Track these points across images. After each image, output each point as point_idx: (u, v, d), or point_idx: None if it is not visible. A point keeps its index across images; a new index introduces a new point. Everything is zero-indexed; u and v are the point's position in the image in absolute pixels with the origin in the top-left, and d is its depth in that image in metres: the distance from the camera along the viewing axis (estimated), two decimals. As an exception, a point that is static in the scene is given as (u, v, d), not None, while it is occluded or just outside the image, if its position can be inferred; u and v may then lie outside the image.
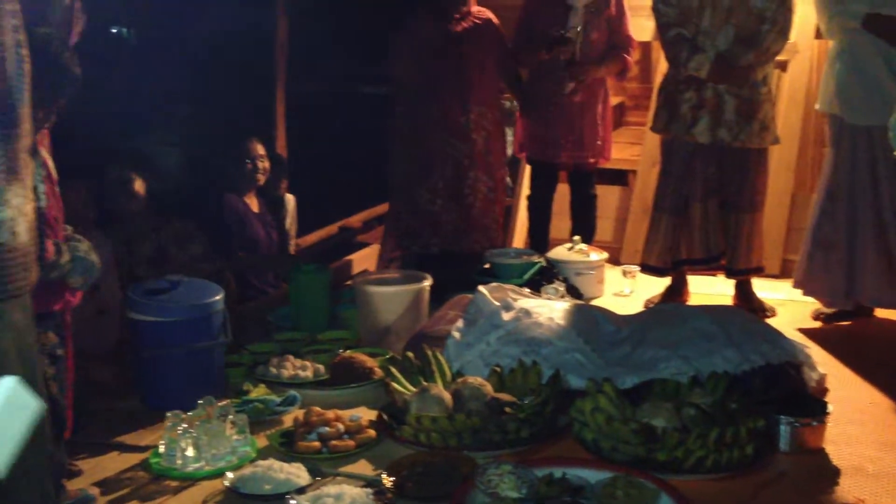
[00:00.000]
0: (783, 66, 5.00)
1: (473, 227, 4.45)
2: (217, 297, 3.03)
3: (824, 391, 3.01)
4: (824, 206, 3.87)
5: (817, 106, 4.00)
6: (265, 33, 5.68)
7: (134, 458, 2.65)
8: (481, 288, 3.36)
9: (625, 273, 4.39)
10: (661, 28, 3.96)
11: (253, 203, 4.52)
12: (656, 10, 3.96)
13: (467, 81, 4.42)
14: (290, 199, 5.12)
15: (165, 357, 2.91)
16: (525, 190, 5.03)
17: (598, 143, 4.59)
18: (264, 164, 4.52)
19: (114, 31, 8.12)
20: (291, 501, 2.29)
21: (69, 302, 2.21)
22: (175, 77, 5.35)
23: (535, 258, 4.19)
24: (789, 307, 4.08)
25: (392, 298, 3.50)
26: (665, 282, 4.19)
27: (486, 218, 4.50)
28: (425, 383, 2.85)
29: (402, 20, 4.58)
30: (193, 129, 5.13)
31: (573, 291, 4.05)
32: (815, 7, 3.82)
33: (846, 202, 3.80)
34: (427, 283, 3.60)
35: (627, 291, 4.33)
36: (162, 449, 2.61)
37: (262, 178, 4.54)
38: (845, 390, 3.13)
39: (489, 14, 4.55)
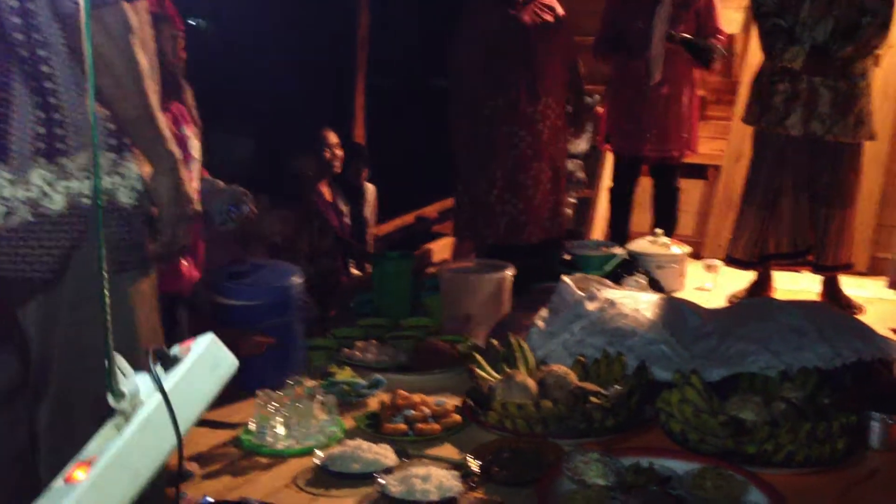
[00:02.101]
0: (876, 60, 4.87)
1: (530, 219, 4.34)
2: (296, 279, 3.09)
3: (919, 391, 2.93)
4: None
5: None
6: (347, 27, 5.76)
7: (225, 435, 2.73)
8: (566, 278, 3.36)
9: (707, 267, 4.34)
10: (760, 18, 3.90)
11: (326, 192, 4.59)
12: (755, 1, 3.90)
13: (535, 71, 4.30)
14: (369, 189, 5.19)
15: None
16: (606, 182, 5.00)
17: (684, 135, 4.54)
18: (339, 153, 4.59)
19: (191, 22, 8.32)
20: (380, 480, 2.33)
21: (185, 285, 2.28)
22: (256, 70, 5.47)
23: (617, 250, 4.17)
24: (878, 305, 3.98)
25: (475, 286, 3.52)
26: (749, 276, 4.13)
27: (544, 210, 4.39)
28: (510, 370, 2.87)
29: (465, 7, 4.44)
30: (272, 120, 5.23)
31: (655, 284, 4.03)
32: None
33: None
34: (510, 272, 3.62)
35: (709, 286, 4.28)
36: (252, 426, 2.68)
37: (337, 167, 4.60)
38: (939, 391, 3.05)
39: (556, 3, 4.43)
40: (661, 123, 4.46)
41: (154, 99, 1.73)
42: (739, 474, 2.29)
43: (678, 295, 4.09)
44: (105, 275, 1.29)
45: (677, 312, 3.22)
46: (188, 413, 1.30)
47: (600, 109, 4.81)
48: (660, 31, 4.42)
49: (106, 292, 1.29)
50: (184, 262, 2.61)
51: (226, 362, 1.35)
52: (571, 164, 5.51)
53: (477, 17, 4.40)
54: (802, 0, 3.74)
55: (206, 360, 1.32)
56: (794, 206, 3.95)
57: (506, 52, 4.32)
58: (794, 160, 3.90)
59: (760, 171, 3.99)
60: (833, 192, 3.89)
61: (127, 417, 1.27)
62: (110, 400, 1.27)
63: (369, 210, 5.18)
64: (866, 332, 2.95)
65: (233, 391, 2.93)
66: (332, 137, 4.61)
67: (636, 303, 3.21)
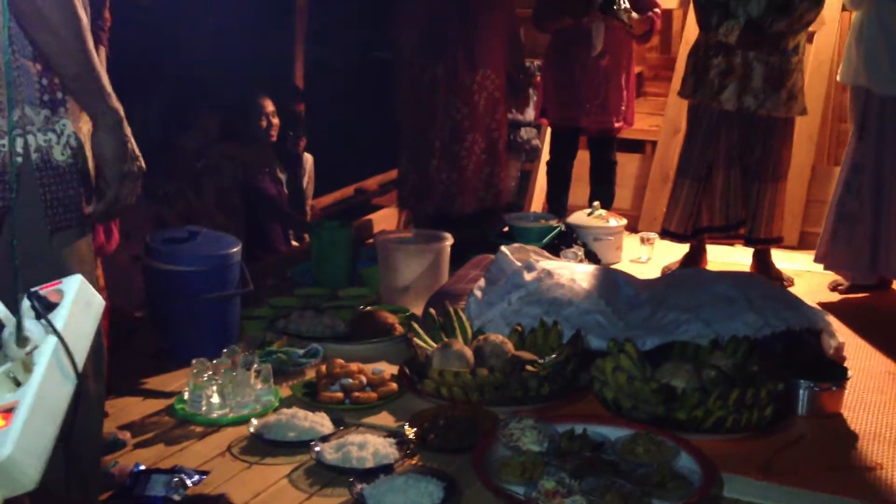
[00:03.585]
0: (810, 38, 4.97)
1: (464, 189, 4.35)
2: (235, 249, 3.05)
3: (842, 359, 3.02)
4: (849, 180, 3.86)
5: (839, 77, 3.98)
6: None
7: (159, 404, 2.69)
8: (504, 248, 3.37)
9: (643, 240, 4.40)
10: None
11: (267, 161, 4.53)
12: None
13: (474, 42, 4.29)
14: (307, 159, 5.13)
15: (182, 306, 2.93)
16: (545, 155, 5.02)
17: (623, 107, 4.58)
18: (275, 121, 4.53)
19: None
20: (316, 448, 2.32)
21: (103, 247, 2.23)
22: (192, 38, 5.34)
23: (554, 222, 4.19)
24: (806, 278, 4.09)
25: (413, 257, 3.52)
26: (683, 249, 4.20)
27: (478, 181, 4.40)
28: (447, 339, 2.87)
29: None
30: (213, 89, 5.14)
31: (591, 256, 4.07)
32: None
33: (872, 175, 3.79)
34: (448, 242, 3.62)
35: (645, 258, 4.35)
36: (187, 395, 2.65)
37: (273, 135, 4.55)
38: (863, 360, 3.15)
39: None
40: (601, 95, 4.48)
41: (95, 55, 1.68)
42: (670, 440, 2.34)
43: (615, 267, 4.16)
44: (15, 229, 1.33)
45: (612, 283, 3.26)
46: (79, 352, 1.35)
47: (537, 79, 4.80)
48: (599, 3, 4.42)
49: (14, 242, 1.35)
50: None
51: (96, 301, 1.42)
52: (525, 133, 5.52)
53: None
54: None
55: (80, 301, 1.37)
56: (727, 180, 4.01)
57: (444, 22, 4.31)
58: (727, 134, 3.96)
59: (694, 145, 4.04)
60: (765, 167, 3.96)
61: (25, 364, 1.30)
62: (12, 349, 1.30)
63: (307, 180, 5.13)
64: (795, 302, 3.03)
65: (168, 361, 2.93)
66: (269, 105, 4.54)
67: (573, 273, 3.24)
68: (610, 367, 2.64)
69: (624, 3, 4.22)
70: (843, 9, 4.84)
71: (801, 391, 2.65)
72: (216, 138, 4.31)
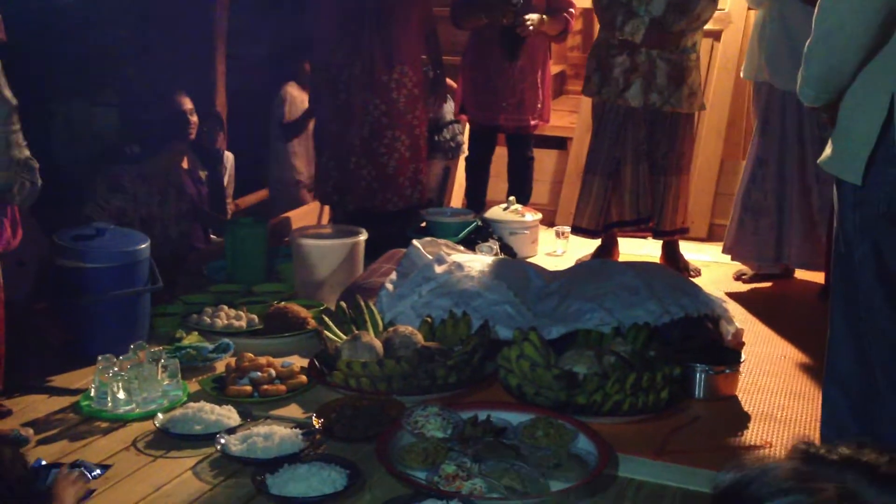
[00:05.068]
0: (717, 36, 5.13)
1: (387, 186, 4.38)
2: (143, 245, 3.03)
3: (741, 345, 3.14)
4: (754, 173, 4.00)
5: (742, 74, 4.12)
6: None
7: (64, 401, 2.67)
8: (415, 241, 3.42)
9: (558, 234, 4.49)
10: None
11: (183, 158, 4.50)
12: None
13: (391, 39, 4.32)
14: (228, 157, 5.11)
15: (90, 303, 2.91)
16: (464, 151, 5.09)
17: (538, 105, 4.66)
18: (193, 119, 4.50)
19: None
20: (221, 440, 2.34)
21: (10, 242, 2.21)
22: (112, 37, 5.28)
23: (471, 217, 4.26)
24: (714, 268, 4.23)
25: (327, 252, 3.54)
26: (596, 242, 4.30)
27: (402, 177, 4.42)
28: (357, 331, 2.91)
29: None
30: (133, 88, 5.08)
31: (507, 250, 4.15)
32: None
33: (775, 168, 3.94)
34: (362, 237, 3.65)
35: (560, 252, 4.44)
36: (93, 392, 2.63)
37: (192, 133, 4.52)
38: (761, 345, 3.28)
39: None
40: (517, 94, 4.56)
41: None
42: (569, 423, 2.41)
43: (530, 260, 4.24)
44: None
45: (522, 275, 3.33)
46: None
47: (452, 84, 4.86)
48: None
49: None
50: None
51: None
52: (448, 131, 5.57)
53: None
54: None
55: None
56: (635, 175, 4.12)
57: (361, 19, 4.32)
58: (633, 131, 4.07)
59: (602, 143, 4.13)
60: (669, 161, 4.08)
61: None
62: None
63: (228, 178, 5.11)
64: (694, 290, 3.14)
65: (76, 359, 2.91)
66: (187, 103, 4.51)
67: (483, 266, 3.30)
68: (514, 355, 2.70)
69: (531, 17, 4.32)
70: (749, 7, 5.02)
71: (697, 375, 2.75)
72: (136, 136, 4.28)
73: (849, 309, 1.96)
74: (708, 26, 4.15)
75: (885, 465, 0.83)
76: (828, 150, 2.05)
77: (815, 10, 1.96)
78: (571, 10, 4.57)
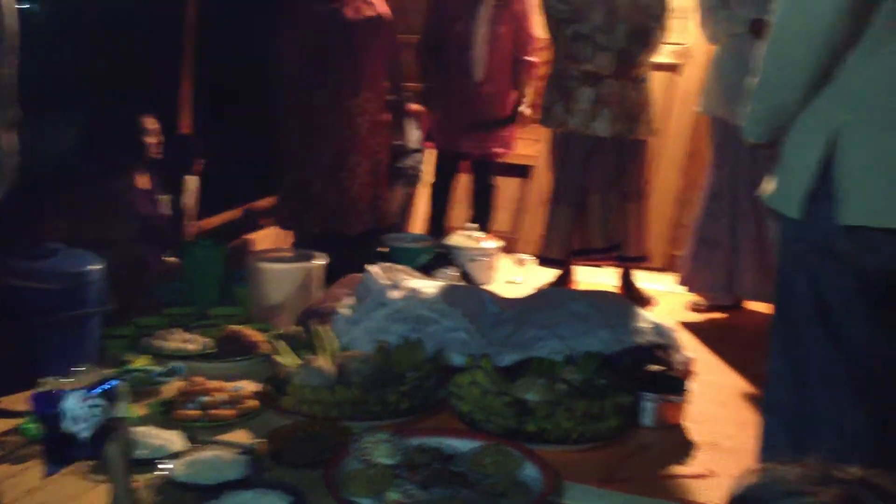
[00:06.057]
0: (677, 70, 5.22)
1: (349, 210, 4.42)
2: (95, 266, 3.01)
3: (691, 374, 3.17)
4: (709, 206, 4.07)
5: (699, 109, 4.20)
6: (174, 14, 5.61)
7: (7, 424, 2.63)
8: (369, 267, 3.43)
9: (518, 261, 4.52)
10: (557, 24, 4.09)
11: (142, 179, 4.48)
12: (548, 6, 4.09)
13: (357, 66, 4.37)
14: (191, 178, 5.09)
15: (38, 324, 2.88)
16: (427, 177, 5.12)
17: (504, 135, 4.71)
18: (153, 140, 4.49)
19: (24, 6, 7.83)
20: (164, 465, 2.31)
21: None
22: (74, 54, 5.27)
23: (431, 243, 4.28)
24: (669, 298, 4.27)
25: (283, 276, 3.54)
26: (555, 271, 4.33)
27: (363, 202, 4.46)
28: (307, 357, 2.90)
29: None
30: (94, 107, 5.07)
31: (466, 277, 4.16)
32: (700, 12, 4.01)
33: (729, 201, 4.00)
34: (320, 262, 3.65)
35: (519, 280, 4.47)
36: (38, 415, 2.59)
37: (153, 153, 4.51)
38: (711, 374, 3.32)
39: (381, 4, 4.50)
40: (482, 122, 4.61)
41: None
42: (517, 451, 2.41)
43: (488, 287, 4.26)
44: None
45: (478, 301, 3.34)
46: None
47: (414, 107, 4.91)
48: (482, 32, 4.57)
49: None
50: None
51: None
52: (411, 159, 5.60)
53: (298, 9, 4.43)
54: (593, 6, 3.97)
55: None
56: (604, 203, 4.18)
57: (326, 45, 4.36)
58: (601, 160, 4.13)
59: (569, 173, 4.19)
60: (632, 188, 4.16)
61: None
62: None
63: (189, 198, 5.09)
64: (646, 319, 3.17)
65: (22, 381, 2.86)
66: (150, 123, 4.50)
67: (439, 292, 3.31)
68: (466, 382, 2.71)
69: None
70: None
71: (646, 403, 2.77)
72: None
73: (787, 340, 1.99)
74: (669, 60, 4.25)
75: (889, 482, 0.86)
76: (770, 185, 2.09)
77: (765, 48, 2.01)
78: (530, 48, 4.64)
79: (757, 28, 3.80)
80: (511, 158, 5.14)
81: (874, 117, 1.86)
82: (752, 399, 3.10)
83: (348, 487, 2.25)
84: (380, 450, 2.39)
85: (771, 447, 2.00)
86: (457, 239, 4.43)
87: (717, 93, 4.00)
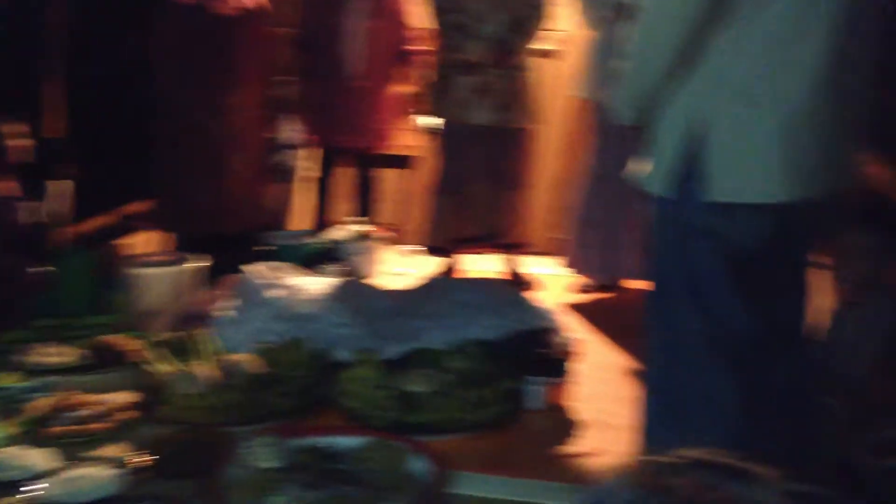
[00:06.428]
0: (556, 55, 5.27)
1: (227, 210, 4.31)
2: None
3: (575, 354, 3.21)
4: (590, 188, 4.14)
5: (579, 92, 4.26)
6: (38, 16, 5.35)
7: None
8: (248, 267, 3.34)
9: (402, 252, 4.50)
10: (437, 12, 4.09)
11: (3, 185, 4.26)
12: None
13: (228, 62, 4.26)
14: (64, 183, 4.87)
15: None
16: (306, 173, 5.04)
17: (381, 128, 4.68)
18: (17, 143, 4.27)
19: None
20: (34, 485, 2.19)
21: None
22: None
23: (315, 239, 4.21)
24: (555, 281, 4.32)
25: (158, 280, 3.41)
26: (440, 260, 4.33)
27: (242, 201, 4.35)
28: (186, 363, 2.81)
29: None
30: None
31: (351, 271, 4.11)
32: None
33: (611, 183, 4.07)
34: (196, 263, 3.54)
35: (406, 270, 4.44)
36: None
37: (12, 159, 4.29)
38: (594, 354, 3.36)
39: None
40: (356, 116, 4.56)
41: None
42: (404, 444, 2.39)
43: (374, 280, 4.22)
44: None
45: (363, 295, 3.31)
46: None
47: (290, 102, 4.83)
48: (356, 25, 4.51)
49: None
50: None
51: None
52: (287, 154, 5.49)
53: (166, 6, 4.30)
54: None
55: None
56: (483, 192, 4.19)
57: (200, 40, 4.24)
58: (479, 148, 4.15)
59: (448, 161, 4.20)
60: (511, 176, 4.18)
61: None
62: None
63: (62, 204, 4.86)
64: (528, 304, 3.20)
65: None
66: (13, 127, 4.28)
67: (321, 287, 3.26)
68: (351, 378, 2.67)
69: None
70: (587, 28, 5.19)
71: (532, 387, 2.79)
72: None
73: (661, 316, 2.03)
74: (548, 46, 4.29)
75: (733, 461, 0.83)
76: (643, 166, 2.12)
77: (634, 31, 2.03)
78: (406, 42, 4.60)
79: (621, 12, 3.88)
80: (394, 149, 5.10)
81: (739, 96, 1.91)
82: (638, 375, 3.16)
83: (233, 494, 2.18)
84: (264, 454, 2.32)
85: (651, 423, 2.04)
86: (339, 233, 4.37)
87: (597, 77, 4.06)
